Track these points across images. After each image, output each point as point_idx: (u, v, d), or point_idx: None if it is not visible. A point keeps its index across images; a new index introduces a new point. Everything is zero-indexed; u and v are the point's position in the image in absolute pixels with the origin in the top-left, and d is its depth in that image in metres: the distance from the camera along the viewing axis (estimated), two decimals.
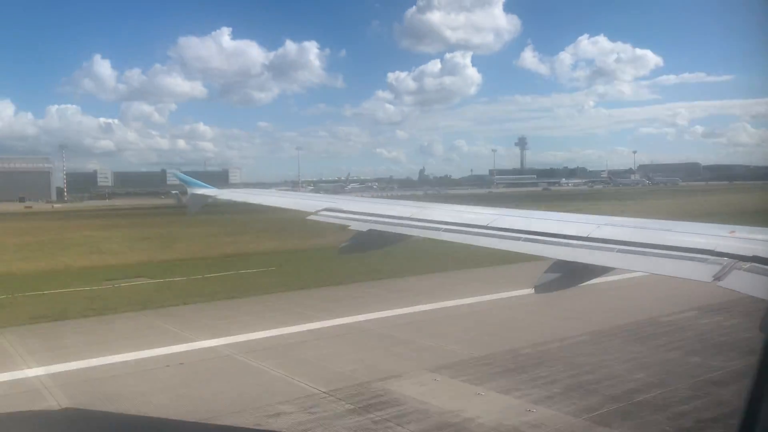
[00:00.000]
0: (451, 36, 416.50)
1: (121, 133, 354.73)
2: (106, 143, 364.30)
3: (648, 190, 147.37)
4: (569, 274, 5.64)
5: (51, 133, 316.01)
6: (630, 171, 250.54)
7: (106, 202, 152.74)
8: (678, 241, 5.28)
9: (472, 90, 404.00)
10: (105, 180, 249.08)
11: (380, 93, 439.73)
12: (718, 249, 4.86)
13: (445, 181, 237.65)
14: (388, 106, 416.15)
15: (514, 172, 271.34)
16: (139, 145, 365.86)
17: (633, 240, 5.49)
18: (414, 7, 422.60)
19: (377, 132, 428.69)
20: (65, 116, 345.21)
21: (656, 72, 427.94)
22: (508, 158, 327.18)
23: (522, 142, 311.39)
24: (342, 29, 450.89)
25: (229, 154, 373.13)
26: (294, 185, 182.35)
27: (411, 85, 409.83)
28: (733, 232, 5.28)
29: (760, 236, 5.02)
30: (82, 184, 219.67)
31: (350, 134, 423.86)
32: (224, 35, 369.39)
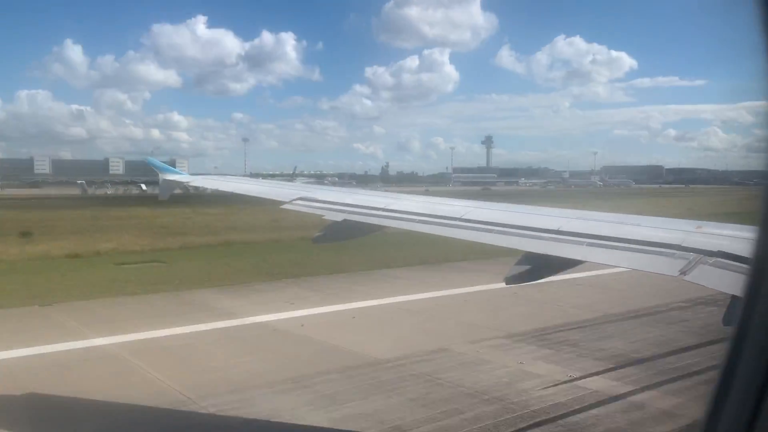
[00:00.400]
0: (429, 32, 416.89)
1: (94, 120, 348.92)
2: (78, 131, 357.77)
3: (596, 192, 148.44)
4: (539, 267, 5.72)
5: (20, 119, 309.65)
6: (591, 172, 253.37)
7: (23, 191, 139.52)
8: (646, 235, 5.38)
9: (450, 87, 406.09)
10: (43, 168, 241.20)
11: (358, 87, 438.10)
12: (685, 244, 4.97)
13: (407, 178, 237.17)
14: (365, 100, 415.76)
15: (478, 170, 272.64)
16: (112, 134, 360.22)
17: (602, 234, 5.57)
18: (392, 1, 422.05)
19: (355, 127, 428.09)
20: (35, 102, 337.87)
21: (631, 74, 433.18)
22: (484, 157, 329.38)
23: (488, 141, 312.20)
24: (319, 21, 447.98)
25: (204, 144, 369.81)
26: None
27: (388, 80, 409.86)
28: (700, 227, 5.40)
29: (725, 232, 5.13)
30: (20, 171, 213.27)
31: (327, 128, 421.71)
32: (199, 24, 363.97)
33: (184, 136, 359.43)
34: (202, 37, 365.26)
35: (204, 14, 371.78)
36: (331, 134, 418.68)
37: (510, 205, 7.58)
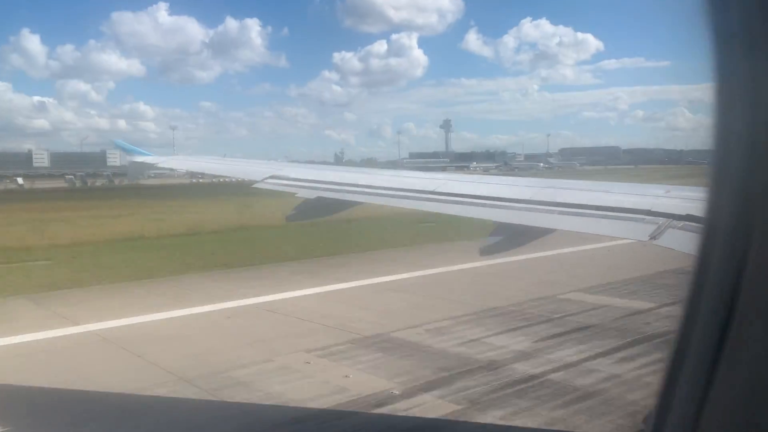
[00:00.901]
0: (395, 15, 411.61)
1: (57, 112, 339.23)
2: (41, 123, 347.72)
3: (537, 174, 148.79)
4: (512, 236, 5.75)
5: None
6: (548, 155, 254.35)
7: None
8: (616, 201, 5.43)
9: (419, 72, 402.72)
10: (42, 161, 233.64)
11: (326, 73, 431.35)
12: (654, 209, 5.02)
13: (363, 164, 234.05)
14: (334, 87, 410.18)
15: (432, 155, 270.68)
16: (77, 125, 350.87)
17: (573, 202, 5.62)
18: None
19: (325, 113, 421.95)
20: None
21: (597, 56, 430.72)
22: (456, 141, 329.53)
23: (446, 125, 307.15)
24: (283, 7, 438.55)
25: (172, 134, 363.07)
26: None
27: (357, 65, 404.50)
28: (669, 191, 5.46)
29: (694, 195, 5.20)
30: (18, 165, 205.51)
31: (297, 115, 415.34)
32: (161, 11, 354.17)
33: (151, 126, 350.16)
34: (164, 24, 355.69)
35: (165, 1, 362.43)
36: (301, 121, 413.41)
37: (484, 177, 7.61)
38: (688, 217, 4.74)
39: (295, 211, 8.70)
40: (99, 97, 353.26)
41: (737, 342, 1.44)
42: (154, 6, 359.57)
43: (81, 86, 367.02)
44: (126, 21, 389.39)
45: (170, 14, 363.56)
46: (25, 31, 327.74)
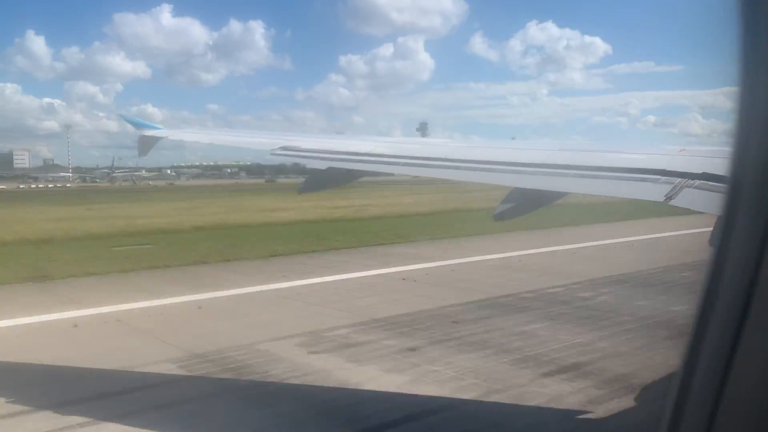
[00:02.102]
0: (397, 18, 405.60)
1: (67, 114, 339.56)
2: (51, 124, 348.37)
3: None
4: (526, 201, 5.73)
5: None
6: None
7: None
8: (630, 161, 5.38)
9: (425, 76, 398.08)
10: None
11: (333, 76, 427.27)
12: (669, 168, 4.97)
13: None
14: (341, 90, 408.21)
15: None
16: (86, 127, 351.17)
17: (587, 164, 5.57)
18: None
19: (333, 117, 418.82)
20: (3, 95, 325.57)
21: (606, 60, 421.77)
22: None
23: (423, 127, 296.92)
24: (284, 8, 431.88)
25: (180, 137, 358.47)
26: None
27: (363, 68, 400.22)
28: (683, 150, 5.40)
29: (709, 153, 5.13)
30: None
31: (305, 118, 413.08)
32: (164, 12, 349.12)
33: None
34: (168, 26, 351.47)
35: (168, 2, 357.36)
36: (309, 124, 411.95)
37: (496, 142, 7.54)
38: (704, 176, 4.69)
39: (305, 182, 8.70)
40: (107, 99, 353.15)
41: (754, 337, 1.43)
42: (158, 8, 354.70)
43: (89, 88, 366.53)
44: (129, 22, 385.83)
45: (174, 16, 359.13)
46: (30, 33, 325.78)
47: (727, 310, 1.49)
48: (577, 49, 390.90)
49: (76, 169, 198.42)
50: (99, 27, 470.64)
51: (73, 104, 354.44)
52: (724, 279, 1.52)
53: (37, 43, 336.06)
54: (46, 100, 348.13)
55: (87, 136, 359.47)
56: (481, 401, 8.09)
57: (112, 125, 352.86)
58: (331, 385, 8.95)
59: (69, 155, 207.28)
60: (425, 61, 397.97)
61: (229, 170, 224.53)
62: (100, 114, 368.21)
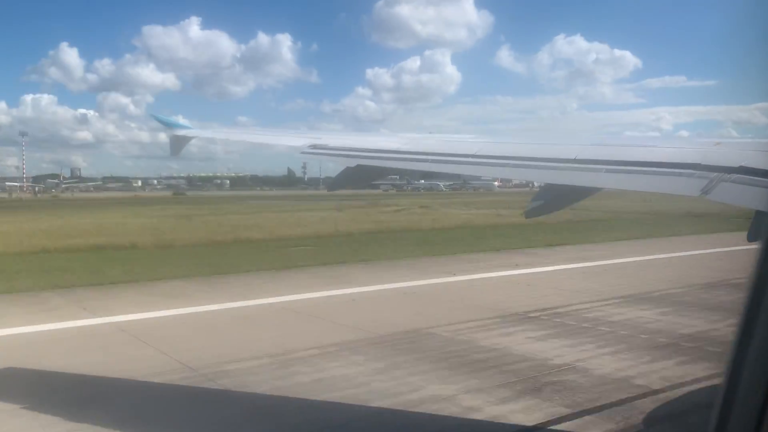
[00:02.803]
0: (422, 30, 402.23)
1: (100, 125, 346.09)
2: (84, 135, 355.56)
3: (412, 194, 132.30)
4: (558, 197, 5.68)
5: (25, 123, 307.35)
6: None
7: None
8: (664, 156, 5.29)
9: (452, 89, 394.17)
10: None
11: (360, 89, 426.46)
12: (705, 162, 4.87)
13: (314, 182, 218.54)
14: (368, 102, 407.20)
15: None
16: (119, 137, 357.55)
17: (620, 159, 5.49)
18: (381, 0, 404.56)
19: (361, 129, 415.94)
20: (39, 106, 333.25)
21: (636, 74, 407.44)
22: None
23: None
24: (309, 21, 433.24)
25: (212, 149, 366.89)
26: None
27: (389, 81, 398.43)
28: (719, 143, 5.29)
29: (746, 146, 5.02)
30: None
31: (333, 131, 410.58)
32: (193, 25, 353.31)
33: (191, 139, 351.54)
34: (196, 38, 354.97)
35: (198, 15, 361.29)
36: None
37: (524, 136, 7.48)
38: (741, 169, 4.59)
39: (335, 180, 8.74)
40: (138, 110, 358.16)
41: None
42: (186, 21, 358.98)
43: (121, 99, 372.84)
44: (158, 35, 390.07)
45: (202, 29, 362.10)
46: (64, 45, 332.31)
47: None
48: (607, 63, 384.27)
49: (37, 178, 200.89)
50: (129, 39, 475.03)
51: (105, 115, 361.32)
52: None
53: (70, 55, 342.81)
54: (81, 111, 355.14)
55: (120, 146, 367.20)
56: None
57: (144, 135, 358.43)
58: None
59: (23, 161, 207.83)
60: (452, 74, 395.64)
61: (218, 181, 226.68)
62: (132, 125, 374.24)
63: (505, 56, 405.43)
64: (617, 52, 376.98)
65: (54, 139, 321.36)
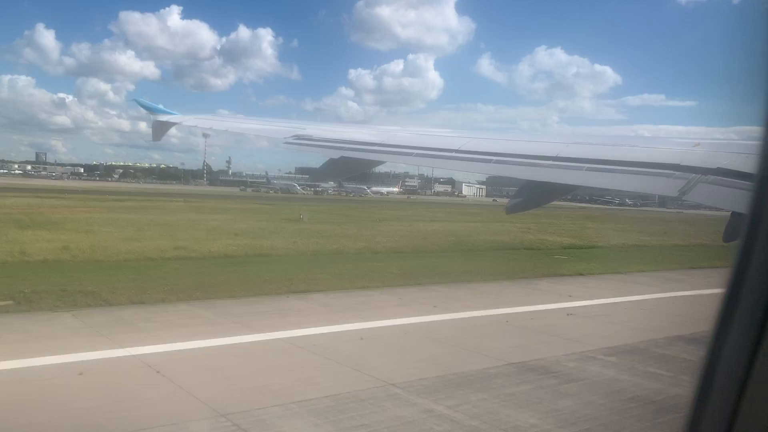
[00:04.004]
0: (402, 33, 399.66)
1: (79, 110, 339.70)
2: (62, 119, 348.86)
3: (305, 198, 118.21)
4: (538, 194, 5.71)
5: (2, 104, 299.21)
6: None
7: None
8: (644, 156, 5.34)
9: (435, 94, 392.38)
10: None
11: (343, 90, 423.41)
12: (684, 162, 4.92)
13: (243, 181, 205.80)
14: (350, 103, 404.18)
15: (406, 175, 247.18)
16: (98, 124, 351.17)
17: (601, 157, 5.53)
18: (362, 0, 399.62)
19: None
20: (15, 87, 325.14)
21: (617, 91, 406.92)
22: None
23: None
24: (290, 17, 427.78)
25: (194, 141, 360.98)
26: None
27: (371, 83, 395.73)
28: (698, 144, 5.35)
29: (723, 147, 5.08)
30: None
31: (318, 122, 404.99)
32: (173, 14, 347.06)
33: (172, 130, 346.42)
34: (175, 27, 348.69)
35: (178, 4, 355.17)
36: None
37: (508, 133, 7.51)
38: (719, 171, 4.64)
39: (319, 170, 8.72)
40: (117, 98, 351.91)
41: None
42: (167, 9, 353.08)
43: (100, 86, 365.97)
44: (136, 21, 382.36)
45: (182, 18, 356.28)
46: (40, 26, 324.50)
47: (750, 309, 1.48)
48: (587, 77, 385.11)
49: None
50: (106, 24, 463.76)
51: (84, 101, 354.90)
52: (747, 277, 1.51)
53: (46, 37, 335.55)
54: (60, 95, 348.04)
55: (100, 132, 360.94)
56: None
57: (125, 124, 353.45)
58: None
59: None
60: (434, 79, 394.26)
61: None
62: (112, 112, 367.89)
63: (486, 64, 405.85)
64: (597, 67, 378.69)
65: (32, 122, 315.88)
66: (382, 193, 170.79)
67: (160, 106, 13.81)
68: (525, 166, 5.86)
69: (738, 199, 4.29)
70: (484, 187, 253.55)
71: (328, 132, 9.08)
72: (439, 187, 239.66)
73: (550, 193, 5.73)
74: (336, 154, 8.05)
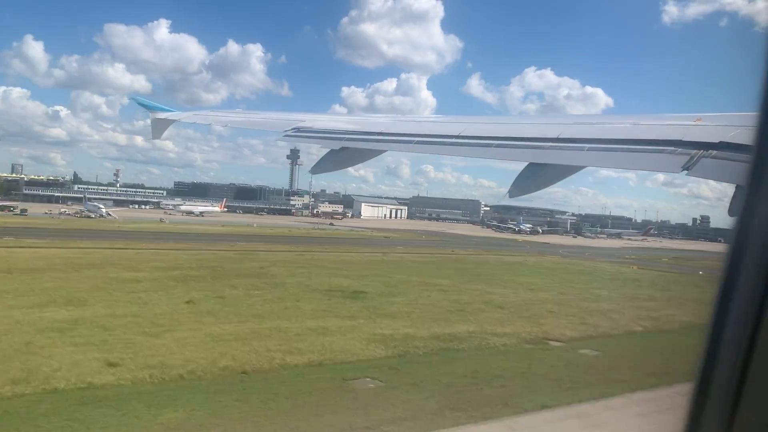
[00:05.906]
0: (388, 51, 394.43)
1: (74, 123, 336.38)
2: (57, 132, 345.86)
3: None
4: (542, 176, 5.70)
5: None
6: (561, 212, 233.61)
7: None
8: (646, 133, 5.33)
9: (428, 113, 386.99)
10: None
11: (336, 107, 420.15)
12: (686, 138, 4.92)
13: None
14: None
15: (287, 193, 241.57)
16: (94, 137, 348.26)
17: (602, 137, 5.53)
18: (346, 17, 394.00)
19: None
20: (8, 99, 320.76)
21: (609, 113, 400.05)
22: (476, 188, 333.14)
23: (294, 155, 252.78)
24: (276, 33, 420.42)
25: (190, 156, 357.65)
26: None
27: (362, 101, 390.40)
28: (699, 119, 5.34)
29: (725, 122, 5.07)
30: None
31: (311, 148, 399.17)
32: (161, 27, 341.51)
33: (169, 145, 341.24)
34: (164, 42, 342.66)
35: (167, 18, 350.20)
36: (315, 153, 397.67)
37: (506, 117, 7.50)
38: (722, 145, 4.64)
39: (318, 163, 8.71)
40: (111, 111, 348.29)
41: None
42: (155, 22, 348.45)
43: (95, 99, 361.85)
44: (122, 34, 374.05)
45: (170, 32, 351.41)
46: (28, 37, 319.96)
47: (740, 320, 1.48)
48: (578, 99, 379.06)
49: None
50: (91, 37, 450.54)
51: (78, 114, 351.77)
52: (748, 250, 1.51)
53: (35, 49, 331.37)
54: (56, 107, 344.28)
55: (96, 146, 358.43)
56: None
57: (120, 138, 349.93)
58: None
59: None
60: (427, 98, 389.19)
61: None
62: (106, 125, 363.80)
63: (475, 85, 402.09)
64: (589, 89, 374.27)
65: (27, 134, 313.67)
66: (194, 214, 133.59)
67: (158, 105, 13.85)
68: (527, 149, 5.86)
69: (742, 172, 4.30)
70: (404, 208, 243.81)
71: (328, 124, 9.05)
72: (325, 208, 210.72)
73: (553, 173, 5.72)
74: (337, 145, 8.03)
